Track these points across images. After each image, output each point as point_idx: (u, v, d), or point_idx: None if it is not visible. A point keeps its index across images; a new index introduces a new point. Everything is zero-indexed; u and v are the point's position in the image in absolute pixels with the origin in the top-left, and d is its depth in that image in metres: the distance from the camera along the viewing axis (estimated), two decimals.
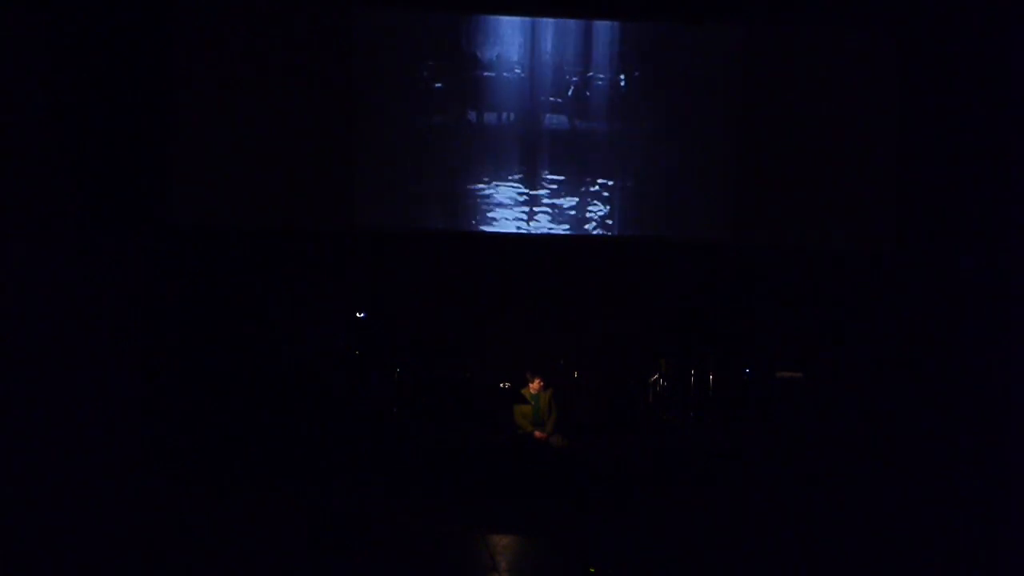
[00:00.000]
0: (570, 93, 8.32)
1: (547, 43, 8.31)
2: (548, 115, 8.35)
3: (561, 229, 8.43)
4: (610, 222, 8.44)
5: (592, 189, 8.38)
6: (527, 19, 8.31)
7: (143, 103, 7.74)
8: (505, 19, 8.32)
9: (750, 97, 8.33)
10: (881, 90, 8.30)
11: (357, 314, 8.43)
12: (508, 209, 8.38)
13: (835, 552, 5.83)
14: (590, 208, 8.41)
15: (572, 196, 8.40)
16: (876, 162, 8.32)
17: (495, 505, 6.76)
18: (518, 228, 8.40)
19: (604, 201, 8.40)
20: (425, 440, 7.75)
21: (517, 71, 8.32)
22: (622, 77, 8.35)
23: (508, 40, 8.32)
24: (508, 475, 7.26)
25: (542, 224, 8.42)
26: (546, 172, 8.38)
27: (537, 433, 7.72)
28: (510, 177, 8.36)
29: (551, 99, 8.34)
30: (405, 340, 8.45)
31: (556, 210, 8.41)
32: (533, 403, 7.87)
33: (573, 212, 8.41)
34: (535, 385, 7.90)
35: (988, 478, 6.60)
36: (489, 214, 8.37)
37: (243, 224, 8.22)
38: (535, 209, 8.39)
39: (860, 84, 8.30)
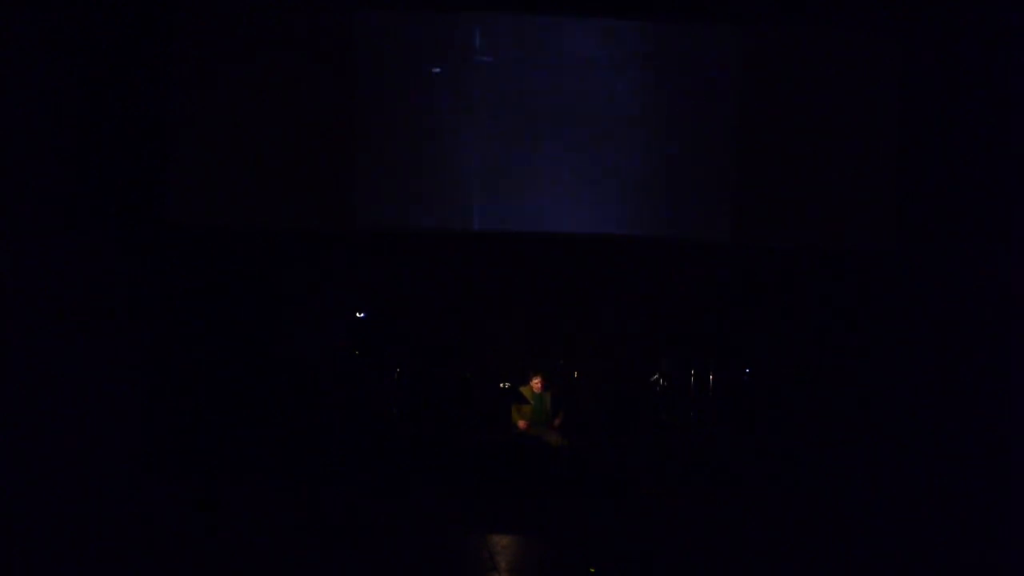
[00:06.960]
0: (571, 94, 8.31)
1: (548, 44, 8.30)
2: (549, 116, 8.34)
3: (561, 229, 8.41)
4: (610, 222, 8.43)
5: (592, 189, 8.37)
6: (527, 19, 8.30)
7: (143, 102, 7.74)
8: (506, 19, 8.31)
9: (750, 97, 8.32)
10: (881, 90, 8.29)
11: (357, 314, 8.44)
12: (508, 209, 8.36)
13: (835, 551, 5.83)
14: (590, 208, 8.40)
15: (573, 196, 8.39)
16: (877, 162, 8.31)
17: (495, 505, 6.76)
18: (518, 228, 8.39)
19: (604, 201, 8.39)
20: (425, 440, 7.75)
21: (518, 72, 8.31)
22: (622, 77, 8.33)
23: (509, 40, 8.31)
24: (508, 475, 7.26)
25: (542, 224, 8.40)
26: (546, 172, 8.37)
27: (521, 423, 7.76)
28: (510, 177, 8.35)
29: (552, 100, 8.32)
30: (405, 340, 8.46)
31: (556, 210, 8.39)
32: (534, 402, 7.88)
33: (574, 212, 8.40)
34: (537, 383, 7.90)
35: (989, 478, 6.60)
36: (490, 214, 8.36)
37: (243, 224, 8.21)
38: (535, 209, 8.37)
39: (860, 84, 8.29)
